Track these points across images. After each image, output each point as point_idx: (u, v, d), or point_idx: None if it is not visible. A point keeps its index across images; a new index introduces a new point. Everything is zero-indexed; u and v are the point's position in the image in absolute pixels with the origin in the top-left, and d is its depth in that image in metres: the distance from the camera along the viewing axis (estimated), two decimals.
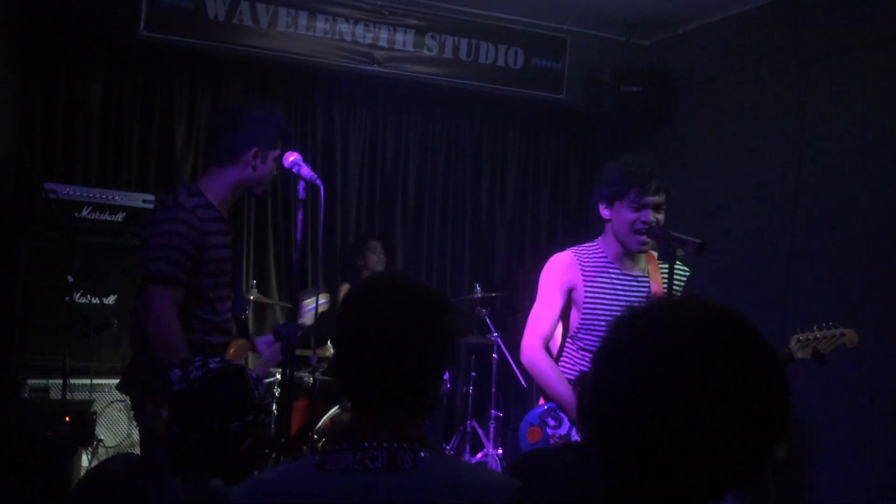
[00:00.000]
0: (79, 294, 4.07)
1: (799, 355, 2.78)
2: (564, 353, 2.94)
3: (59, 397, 3.87)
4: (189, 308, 2.64)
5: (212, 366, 1.72)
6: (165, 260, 2.56)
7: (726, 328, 0.99)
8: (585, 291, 2.82)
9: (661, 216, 2.75)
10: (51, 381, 3.98)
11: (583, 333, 2.85)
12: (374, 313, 1.45)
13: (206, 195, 2.71)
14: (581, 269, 2.84)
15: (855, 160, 4.09)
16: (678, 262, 2.90)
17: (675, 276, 2.77)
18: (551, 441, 2.76)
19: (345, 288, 5.16)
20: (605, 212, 2.83)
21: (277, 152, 2.82)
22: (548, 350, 2.87)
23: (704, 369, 0.94)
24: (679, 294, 2.82)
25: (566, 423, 2.79)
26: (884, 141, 3.96)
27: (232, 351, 2.80)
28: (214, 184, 2.75)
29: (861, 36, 4.08)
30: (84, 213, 4.24)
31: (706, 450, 0.92)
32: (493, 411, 4.89)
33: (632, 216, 2.74)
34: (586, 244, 2.93)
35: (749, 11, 4.80)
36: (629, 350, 0.98)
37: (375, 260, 5.16)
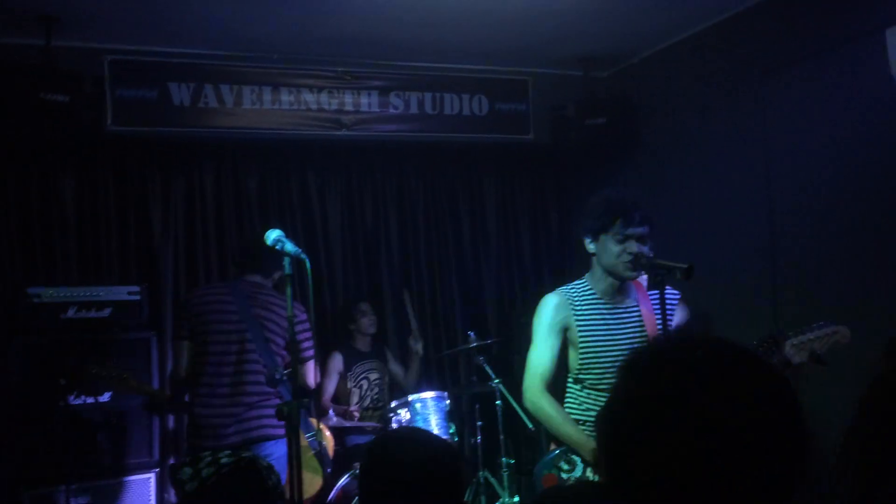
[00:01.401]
0: (73, 396, 4.01)
1: (796, 360, 2.73)
2: (568, 394, 2.93)
3: None
4: None
5: (223, 461, 1.69)
6: None
7: (738, 367, 0.98)
8: (579, 330, 2.82)
9: (646, 248, 2.76)
10: (52, 489, 3.90)
11: (584, 373, 2.84)
12: (401, 475, 1.60)
13: None
14: (572, 309, 2.84)
15: (820, 163, 4.16)
16: (669, 289, 2.91)
17: (666, 302, 2.79)
18: None
19: (335, 358, 5.08)
20: (590, 245, 2.84)
21: None
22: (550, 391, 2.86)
23: (722, 411, 0.93)
24: (671, 317, 2.83)
25: (579, 466, 2.76)
26: (846, 144, 4.03)
27: None
28: None
29: (814, 43, 4.18)
30: (70, 313, 4.21)
31: (732, 491, 0.91)
32: (503, 459, 4.83)
33: (617, 248, 2.75)
34: (574, 283, 2.94)
35: (701, 32, 4.92)
36: (643, 399, 0.97)
37: (367, 323, 5.13)
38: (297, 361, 3.22)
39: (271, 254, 3.02)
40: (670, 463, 0.92)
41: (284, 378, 3.51)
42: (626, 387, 1.00)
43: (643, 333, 2.83)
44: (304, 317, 3.72)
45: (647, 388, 0.97)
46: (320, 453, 4.04)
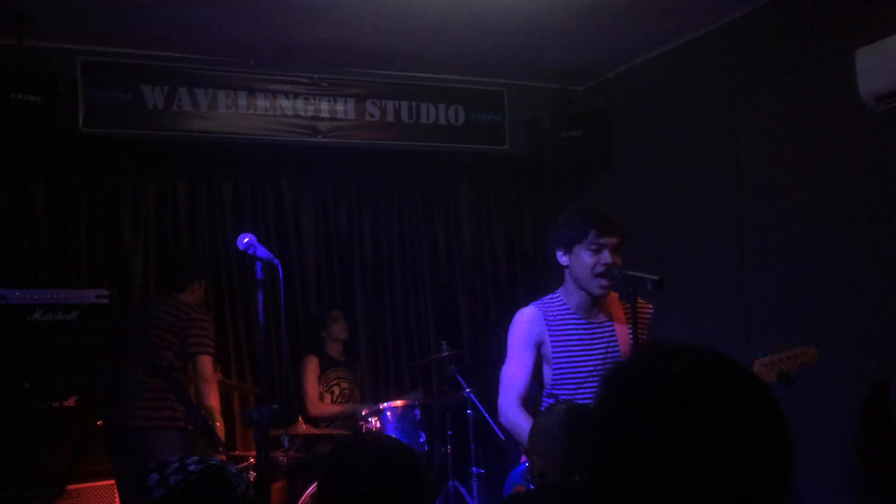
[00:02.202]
0: (37, 400, 3.94)
1: (764, 378, 2.78)
2: (543, 409, 2.93)
3: None
4: None
5: (191, 468, 1.67)
6: None
7: (721, 375, 0.98)
8: (552, 345, 2.81)
9: (618, 259, 2.77)
10: (15, 494, 3.82)
11: (557, 389, 2.83)
12: (362, 485, 1.61)
13: None
14: (546, 323, 2.83)
15: (790, 180, 4.23)
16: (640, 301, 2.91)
17: (639, 316, 2.79)
18: None
19: (312, 361, 5.09)
20: (563, 258, 2.82)
21: None
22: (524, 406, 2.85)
23: (707, 421, 0.93)
24: (645, 333, 2.84)
25: None
26: (815, 161, 4.10)
27: None
28: None
29: (785, 62, 4.26)
30: (36, 315, 4.13)
31: (718, 500, 0.91)
32: (474, 468, 4.83)
33: (591, 259, 2.74)
34: (547, 297, 2.93)
35: (675, 49, 4.98)
36: (625, 411, 0.96)
37: (339, 329, 5.13)
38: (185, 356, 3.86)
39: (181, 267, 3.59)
40: (655, 472, 0.92)
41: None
42: (609, 397, 1.00)
43: (616, 349, 2.82)
44: (197, 315, 4.02)
45: (631, 399, 0.97)
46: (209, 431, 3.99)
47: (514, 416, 2.78)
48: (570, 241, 2.79)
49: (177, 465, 1.67)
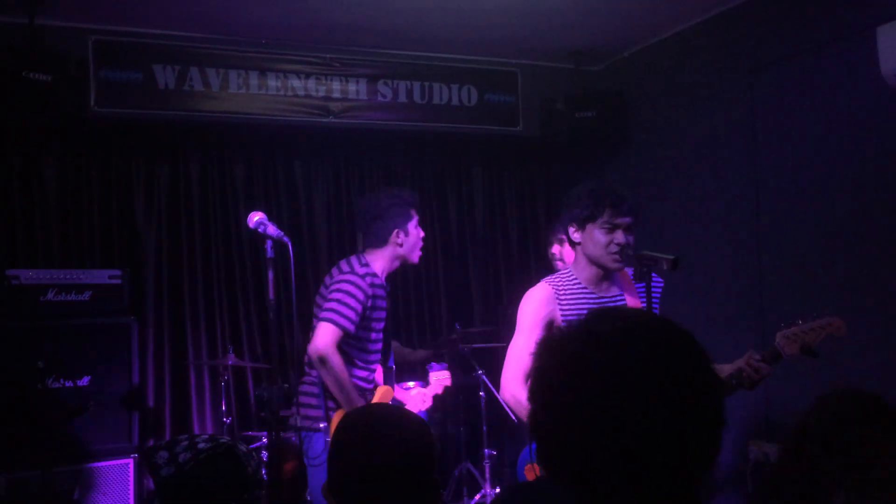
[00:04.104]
0: (51, 379, 3.97)
1: (787, 351, 2.67)
2: None
3: (39, 490, 3.74)
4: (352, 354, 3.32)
5: (200, 446, 1.65)
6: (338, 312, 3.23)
7: (655, 335, 1.02)
8: (564, 321, 2.80)
9: (631, 238, 2.74)
10: (30, 474, 3.85)
11: None
12: (377, 457, 1.59)
13: (372, 266, 3.40)
14: (558, 301, 2.81)
15: (809, 161, 4.16)
16: (655, 277, 2.87)
17: (653, 290, 2.76)
18: None
19: None
20: (575, 235, 2.79)
21: (415, 220, 3.51)
22: None
23: (638, 369, 0.97)
24: (658, 306, 2.81)
25: None
26: (834, 142, 4.04)
27: (379, 395, 3.42)
28: (374, 261, 3.44)
29: (804, 41, 4.18)
30: (49, 295, 4.16)
31: (658, 445, 0.95)
32: (486, 450, 4.82)
33: (604, 238, 2.71)
34: (560, 272, 2.91)
35: (692, 27, 4.91)
36: (568, 364, 1.01)
37: None
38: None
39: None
40: (595, 428, 0.96)
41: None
42: (552, 365, 1.03)
43: None
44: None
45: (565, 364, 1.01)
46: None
47: (517, 391, 2.77)
48: (584, 219, 2.76)
49: (186, 442, 1.65)
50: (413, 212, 3.52)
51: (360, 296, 3.33)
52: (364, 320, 3.36)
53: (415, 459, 1.58)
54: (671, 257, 2.50)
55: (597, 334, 1.01)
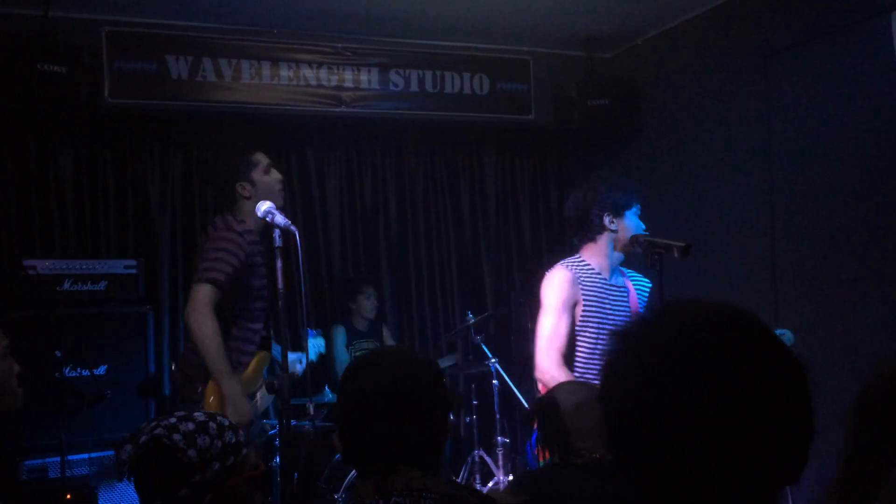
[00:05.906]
0: (68, 368, 4.01)
1: None
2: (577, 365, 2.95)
3: (58, 475, 3.79)
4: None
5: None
6: None
7: (740, 326, 0.98)
8: (584, 306, 2.87)
9: None
10: (48, 461, 3.91)
11: (583, 347, 2.90)
12: (384, 387, 1.58)
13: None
14: (581, 286, 2.90)
15: (824, 149, 4.13)
16: (638, 275, 2.99)
17: (639, 288, 2.89)
18: None
19: (340, 330, 5.12)
20: (611, 224, 2.90)
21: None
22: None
23: (724, 370, 0.91)
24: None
25: None
26: (849, 128, 4.00)
27: (255, 360, 3.34)
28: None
29: (818, 26, 4.14)
30: (66, 285, 4.20)
31: (737, 454, 0.89)
32: (499, 438, 4.82)
33: (637, 223, 2.91)
34: (570, 259, 2.95)
35: (704, 14, 4.86)
36: (648, 360, 0.94)
37: (369, 306, 5.15)
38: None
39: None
40: (678, 426, 0.90)
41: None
42: (630, 348, 0.97)
43: (629, 313, 2.95)
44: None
45: (652, 349, 0.95)
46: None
47: (557, 372, 2.77)
48: (622, 205, 2.88)
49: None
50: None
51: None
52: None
53: (421, 383, 1.61)
54: (682, 244, 2.52)
55: (689, 333, 0.95)
